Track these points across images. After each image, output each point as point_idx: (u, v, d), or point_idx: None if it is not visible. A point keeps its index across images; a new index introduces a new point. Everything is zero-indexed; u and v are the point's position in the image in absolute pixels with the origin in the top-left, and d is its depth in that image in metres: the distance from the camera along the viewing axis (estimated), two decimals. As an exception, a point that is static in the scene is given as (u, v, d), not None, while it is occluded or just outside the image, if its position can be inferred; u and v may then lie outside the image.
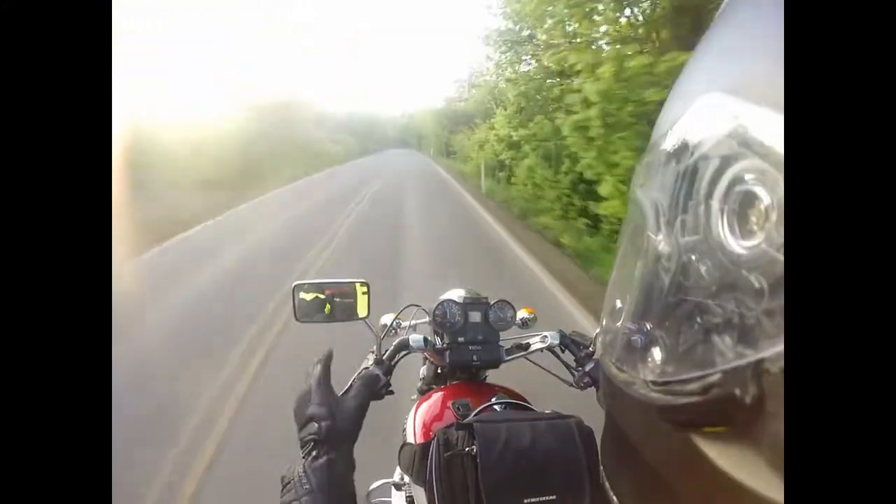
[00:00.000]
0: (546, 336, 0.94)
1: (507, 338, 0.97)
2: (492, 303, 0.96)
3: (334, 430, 0.58)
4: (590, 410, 0.66)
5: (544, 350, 0.95)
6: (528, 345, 0.95)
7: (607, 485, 0.30)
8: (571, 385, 0.91)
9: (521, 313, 1.03)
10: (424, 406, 0.87)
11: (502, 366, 0.94)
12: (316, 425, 0.58)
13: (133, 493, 1.89)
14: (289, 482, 0.54)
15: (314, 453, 0.56)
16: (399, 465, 0.78)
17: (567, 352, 0.95)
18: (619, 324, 0.27)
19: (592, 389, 0.88)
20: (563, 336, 0.94)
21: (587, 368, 0.89)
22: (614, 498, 0.29)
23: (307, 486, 0.52)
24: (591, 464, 0.62)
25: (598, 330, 0.98)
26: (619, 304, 0.28)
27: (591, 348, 0.92)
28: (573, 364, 0.93)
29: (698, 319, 0.20)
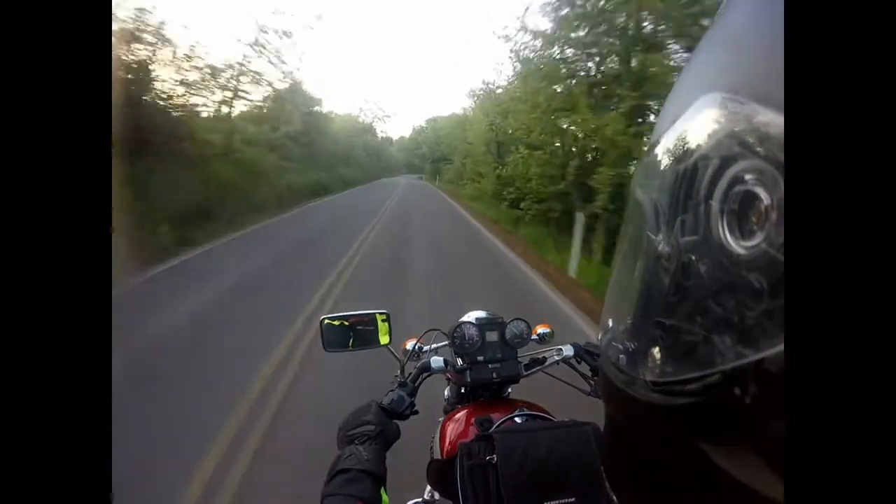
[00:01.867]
0: (561, 349, 0.99)
1: (525, 354, 1.00)
2: (507, 322, 1.00)
3: (381, 433, 0.74)
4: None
5: (560, 363, 0.99)
6: (545, 359, 0.99)
7: (608, 485, 0.30)
8: (589, 394, 0.95)
9: (538, 329, 1.07)
10: (450, 424, 0.91)
11: (524, 380, 0.98)
12: (372, 427, 0.74)
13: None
14: (348, 456, 0.67)
15: (367, 442, 0.71)
16: (428, 481, 0.83)
17: (583, 363, 0.99)
18: (619, 324, 0.27)
19: None
20: (577, 348, 0.99)
21: None
22: (614, 497, 0.29)
23: (366, 455, 0.67)
24: None
25: None
26: (619, 304, 0.28)
27: None
28: (589, 374, 0.97)
29: (698, 319, 0.20)
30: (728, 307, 0.19)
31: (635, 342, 0.25)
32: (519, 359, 0.98)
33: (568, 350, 0.98)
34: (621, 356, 0.26)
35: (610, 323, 0.29)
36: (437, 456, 0.87)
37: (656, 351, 0.23)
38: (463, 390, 1.03)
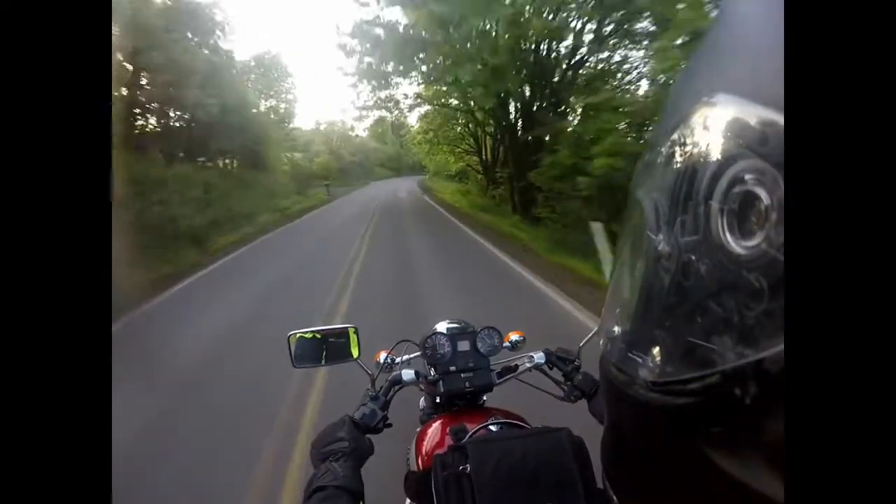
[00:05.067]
0: (533, 356, 0.99)
1: (497, 362, 1.01)
2: (478, 330, 1.00)
3: (355, 450, 0.75)
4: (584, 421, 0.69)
5: (532, 370, 0.99)
6: (517, 366, 1.00)
7: (607, 485, 0.30)
8: (562, 399, 0.95)
9: (510, 336, 1.07)
10: (425, 435, 0.91)
11: (497, 388, 0.98)
12: (345, 444, 0.74)
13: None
14: (324, 473, 0.67)
15: (342, 459, 0.71)
16: (406, 494, 0.83)
17: (555, 368, 0.99)
18: (619, 324, 0.27)
19: (584, 401, 0.93)
20: (548, 354, 0.99)
21: (575, 382, 0.94)
22: (614, 498, 0.29)
23: (341, 472, 0.68)
24: (583, 471, 0.66)
25: (581, 344, 1.01)
26: (619, 304, 0.28)
27: (576, 362, 0.97)
28: (561, 379, 0.97)
29: (698, 319, 0.20)
30: (728, 307, 0.19)
31: (635, 342, 0.25)
32: (491, 367, 0.99)
33: (539, 357, 0.98)
34: (621, 356, 0.26)
35: (610, 323, 0.29)
36: (414, 468, 0.87)
37: (656, 351, 0.23)
38: (438, 400, 1.03)
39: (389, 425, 0.86)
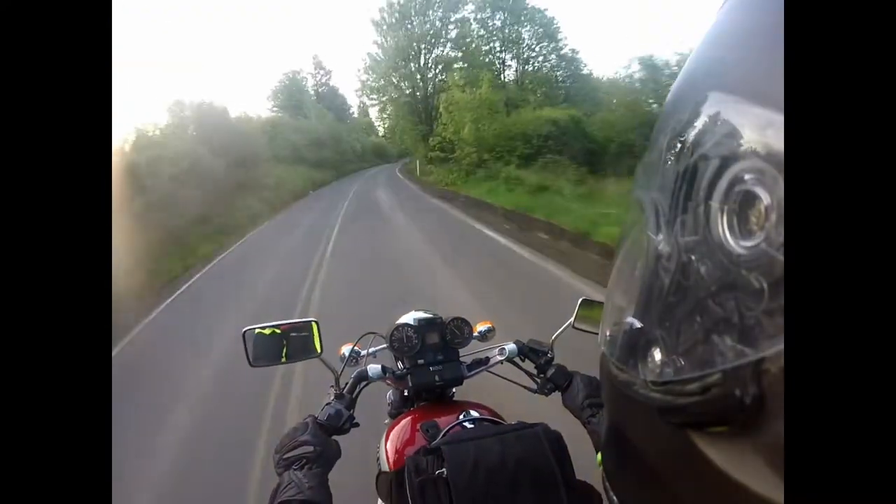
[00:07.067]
0: (504, 348, 0.95)
1: (467, 353, 0.97)
2: (447, 321, 0.97)
3: (321, 455, 0.70)
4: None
5: (504, 362, 0.95)
6: (488, 359, 0.96)
7: (607, 485, 0.30)
8: (535, 392, 0.92)
9: (479, 326, 1.03)
10: (395, 432, 0.87)
11: (468, 381, 0.94)
12: (310, 448, 0.69)
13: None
14: (288, 485, 0.63)
15: (307, 466, 0.67)
16: (379, 495, 0.79)
17: (527, 360, 0.96)
18: (619, 324, 0.27)
19: (557, 394, 0.89)
20: (521, 346, 0.96)
21: (549, 374, 0.91)
22: (615, 498, 0.29)
23: (307, 483, 0.63)
24: (562, 467, 0.64)
25: (553, 336, 0.96)
26: (619, 303, 0.28)
27: (549, 354, 0.94)
28: (534, 372, 0.94)
29: (698, 319, 0.20)
30: (728, 307, 0.19)
31: (636, 342, 0.25)
32: (461, 358, 0.95)
33: (511, 349, 0.95)
34: (622, 356, 0.26)
35: (610, 323, 0.29)
36: (385, 468, 0.82)
37: (656, 351, 0.23)
38: (406, 393, 0.99)
39: (356, 425, 0.82)
